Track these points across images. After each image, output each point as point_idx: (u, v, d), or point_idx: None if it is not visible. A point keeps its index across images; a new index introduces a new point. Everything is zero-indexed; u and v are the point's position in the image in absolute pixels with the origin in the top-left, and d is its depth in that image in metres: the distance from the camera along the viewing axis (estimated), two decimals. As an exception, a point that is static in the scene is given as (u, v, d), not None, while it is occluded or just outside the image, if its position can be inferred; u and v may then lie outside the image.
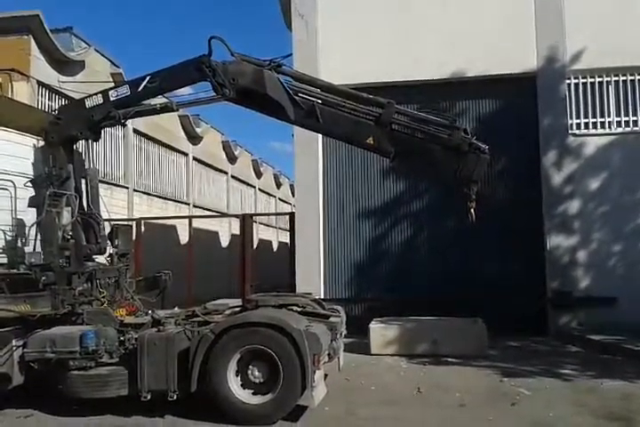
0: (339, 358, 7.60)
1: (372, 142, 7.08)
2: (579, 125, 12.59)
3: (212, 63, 7.04)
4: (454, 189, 7.43)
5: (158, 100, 7.92)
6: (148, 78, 7.39)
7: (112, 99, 7.48)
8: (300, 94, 7.14)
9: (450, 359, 9.54)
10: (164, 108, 7.66)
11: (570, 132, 12.43)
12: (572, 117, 12.56)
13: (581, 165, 12.33)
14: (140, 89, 7.39)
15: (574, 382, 8.06)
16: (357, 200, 13.22)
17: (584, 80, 12.67)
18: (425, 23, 12.71)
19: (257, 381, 6.39)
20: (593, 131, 12.55)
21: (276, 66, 7.17)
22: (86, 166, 8.27)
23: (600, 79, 12.62)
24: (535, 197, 12.32)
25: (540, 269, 12.20)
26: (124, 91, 7.48)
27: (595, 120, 12.57)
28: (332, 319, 7.31)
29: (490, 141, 12.19)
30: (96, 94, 7.62)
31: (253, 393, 6.38)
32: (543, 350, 10.51)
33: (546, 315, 12.02)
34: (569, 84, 12.63)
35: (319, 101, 7.13)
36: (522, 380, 8.17)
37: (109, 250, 8.30)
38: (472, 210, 7.16)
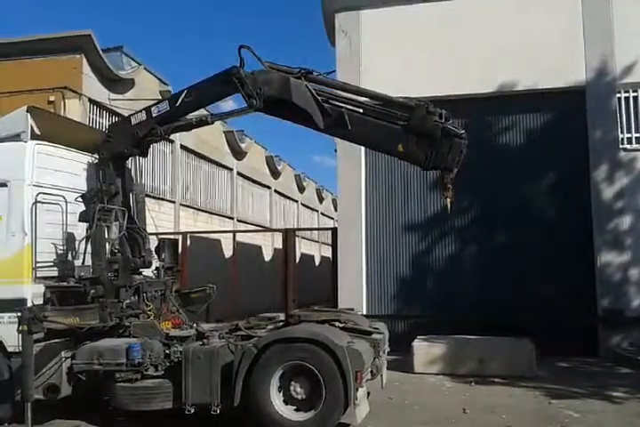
0: (382, 376, 7.51)
1: (401, 150, 6.81)
2: (630, 140, 12.27)
3: (240, 74, 7.02)
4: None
5: (200, 114, 8.04)
6: (184, 93, 7.49)
7: (154, 115, 7.61)
8: (330, 101, 6.98)
9: (496, 379, 9.32)
10: (200, 122, 7.75)
11: (621, 146, 12.12)
12: (622, 132, 12.25)
13: (633, 180, 12.00)
14: (178, 104, 7.48)
15: (625, 405, 7.78)
16: (401, 215, 13.13)
17: (635, 94, 12.36)
18: (470, 37, 12.62)
19: (299, 397, 6.36)
20: (645, 146, 12.20)
21: (306, 73, 7.05)
22: (133, 181, 8.44)
23: (652, 92, 12.30)
24: (585, 212, 12.02)
25: (591, 287, 11.85)
26: (164, 106, 7.59)
27: (646, 135, 12.25)
28: (374, 336, 7.24)
29: (538, 156, 12.27)
30: (140, 111, 7.80)
31: (296, 409, 6.35)
32: (593, 371, 10.19)
33: (596, 335, 11.64)
34: (619, 98, 12.34)
35: (349, 107, 6.96)
36: (570, 402, 7.93)
37: (155, 263, 8.44)
38: (448, 200, 6.75)
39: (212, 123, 7.89)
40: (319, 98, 6.90)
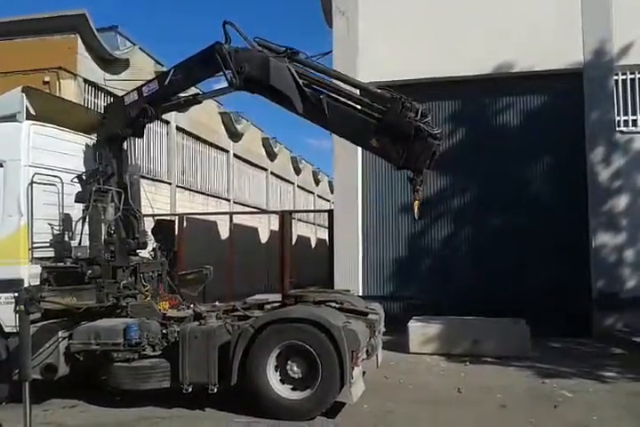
0: (377, 356, 7.59)
1: (375, 145, 6.59)
2: (626, 122, 12.25)
3: (222, 51, 6.90)
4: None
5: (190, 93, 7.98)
6: (172, 71, 7.41)
7: (144, 94, 7.55)
8: (312, 86, 6.78)
9: (490, 360, 9.41)
10: (189, 101, 7.73)
11: (617, 129, 12.10)
12: (619, 114, 12.23)
13: (628, 162, 12.00)
14: (166, 83, 7.39)
15: (618, 385, 7.88)
16: (397, 197, 13.12)
17: (632, 76, 12.32)
18: (467, 19, 12.49)
19: (296, 376, 6.44)
20: (641, 128, 12.20)
21: (292, 53, 6.88)
22: (128, 163, 8.41)
23: (650, 75, 12.26)
24: (580, 194, 12.03)
25: (585, 269, 11.91)
26: (154, 86, 7.53)
27: (643, 117, 12.23)
28: (370, 316, 7.30)
29: (535, 138, 12.26)
30: (132, 91, 7.75)
31: (292, 388, 6.44)
32: (586, 352, 10.29)
33: (590, 316, 11.72)
34: (616, 80, 12.28)
35: (330, 94, 6.76)
36: (564, 381, 8.02)
37: (152, 245, 8.45)
38: (416, 203, 6.51)
39: (201, 102, 7.86)
40: (300, 81, 6.70)
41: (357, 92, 7.23)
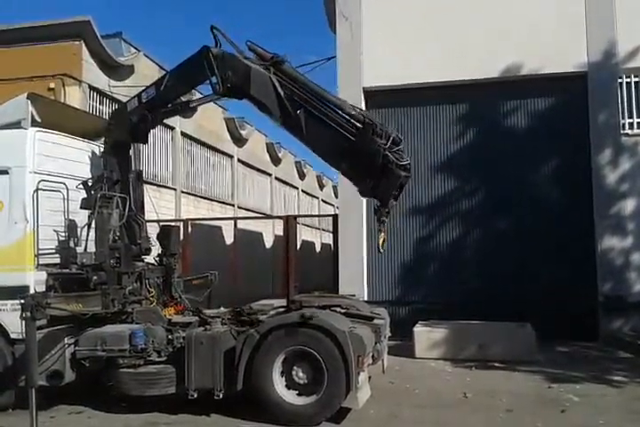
0: (383, 361, 7.58)
1: (345, 168, 6.50)
2: (631, 125, 12.23)
3: (210, 56, 6.86)
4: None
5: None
6: (167, 77, 7.43)
7: (143, 100, 7.58)
8: (294, 97, 6.65)
9: (496, 364, 9.37)
10: (183, 108, 7.79)
11: (622, 132, 12.08)
12: (624, 117, 12.20)
13: (635, 165, 11.97)
14: (162, 89, 7.39)
15: (625, 389, 7.84)
16: (402, 201, 13.03)
17: (637, 79, 12.30)
18: (472, 22, 12.48)
19: (301, 382, 6.43)
20: (646, 131, 12.16)
21: (277, 62, 6.74)
22: (132, 169, 8.43)
23: (655, 78, 12.24)
24: (586, 197, 12.00)
25: (592, 272, 11.85)
26: (152, 92, 7.56)
27: (648, 120, 12.20)
28: (375, 321, 7.29)
29: (540, 141, 12.24)
30: (134, 97, 7.78)
31: (298, 394, 6.42)
32: (593, 356, 10.24)
33: (597, 320, 11.68)
34: (621, 83, 12.27)
35: (309, 108, 6.63)
36: (571, 386, 7.99)
37: (157, 250, 8.46)
38: (381, 236, 6.33)
39: (195, 108, 7.87)
40: (282, 92, 6.60)
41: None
